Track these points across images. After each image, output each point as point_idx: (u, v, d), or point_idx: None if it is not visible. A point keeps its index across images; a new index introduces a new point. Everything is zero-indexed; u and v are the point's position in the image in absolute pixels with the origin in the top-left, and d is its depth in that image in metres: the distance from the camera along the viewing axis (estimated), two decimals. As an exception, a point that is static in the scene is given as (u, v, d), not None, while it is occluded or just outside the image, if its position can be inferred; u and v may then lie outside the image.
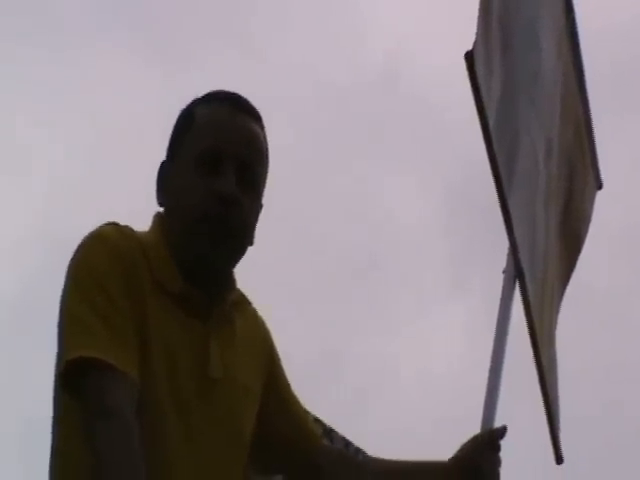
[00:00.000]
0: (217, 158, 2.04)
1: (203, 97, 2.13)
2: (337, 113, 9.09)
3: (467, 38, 2.36)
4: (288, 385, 2.27)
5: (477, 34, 2.40)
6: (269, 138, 2.12)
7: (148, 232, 2.10)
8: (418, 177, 9.39)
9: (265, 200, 2.12)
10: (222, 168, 2.03)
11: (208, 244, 2.03)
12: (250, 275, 2.11)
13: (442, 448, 2.38)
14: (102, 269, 1.98)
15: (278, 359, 2.24)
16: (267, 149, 2.12)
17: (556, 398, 3.07)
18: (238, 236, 2.06)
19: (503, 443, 2.34)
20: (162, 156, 2.16)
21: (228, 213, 2.03)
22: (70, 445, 1.99)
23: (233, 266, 2.10)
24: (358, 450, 5.15)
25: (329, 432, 5.01)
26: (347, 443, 5.14)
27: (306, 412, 2.34)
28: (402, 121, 8.74)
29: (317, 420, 5.05)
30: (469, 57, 2.33)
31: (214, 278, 2.07)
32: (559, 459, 3.04)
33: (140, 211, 2.21)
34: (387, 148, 9.16)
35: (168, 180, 2.09)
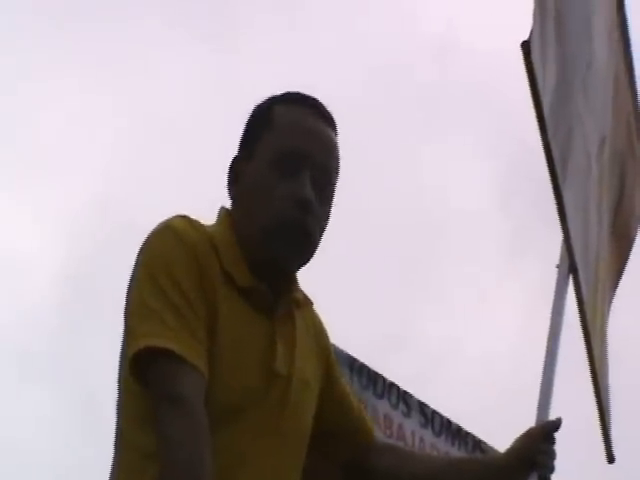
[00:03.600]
0: (297, 162, 2.00)
1: (281, 96, 2.09)
2: (388, 93, 8.93)
3: (520, 21, 2.26)
4: (344, 383, 2.25)
5: (533, 24, 2.33)
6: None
7: (215, 226, 2.06)
8: (475, 157, 9.22)
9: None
10: (301, 173, 1.99)
11: (283, 248, 1.99)
12: (320, 265, 2.01)
13: (500, 427, 2.26)
14: (174, 260, 1.94)
15: (334, 359, 2.22)
16: (340, 158, 2.08)
17: (607, 395, 3.00)
18: (311, 242, 2.02)
19: (557, 436, 2.26)
20: (218, 141, 2.07)
21: (305, 219, 1.99)
22: (135, 430, 1.95)
23: (300, 269, 2.06)
24: (435, 412, 5.05)
25: (404, 395, 4.93)
26: (423, 405, 5.04)
27: (361, 408, 2.28)
28: (459, 102, 8.57)
29: (393, 384, 4.98)
30: (526, 47, 2.27)
31: (282, 278, 2.04)
32: (611, 458, 2.99)
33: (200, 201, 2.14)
34: (443, 128, 9.01)
35: (244, 176, 2.05)
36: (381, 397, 4.77)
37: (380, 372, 4.77)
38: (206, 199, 2.07)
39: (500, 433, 2.33)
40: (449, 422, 5.07)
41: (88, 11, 8.87)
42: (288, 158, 2.00)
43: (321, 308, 2.18)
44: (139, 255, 1.98)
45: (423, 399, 5.01)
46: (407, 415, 4.90)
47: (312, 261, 2.09)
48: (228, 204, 2.10)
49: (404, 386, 4.91)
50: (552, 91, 2.48)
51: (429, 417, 5.01)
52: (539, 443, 2.22)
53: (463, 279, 8.81)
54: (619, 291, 3.33)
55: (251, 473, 1.96)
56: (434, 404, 5.08)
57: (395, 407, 4.84)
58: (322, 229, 2.06)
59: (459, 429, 5.08)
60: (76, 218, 8.56)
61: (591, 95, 2.84)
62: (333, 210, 2.07)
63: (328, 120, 2.06)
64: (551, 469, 2.23)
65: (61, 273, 8.40)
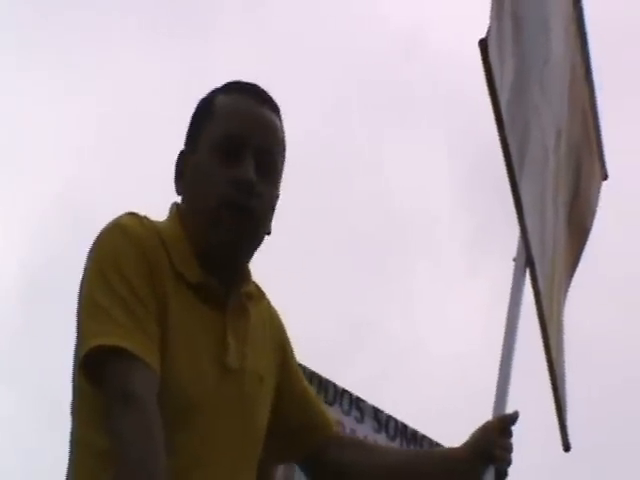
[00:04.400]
0: (237, 147, 1.99)
1: (222, 87, 2.08)
2: (355, 92, 9.00)
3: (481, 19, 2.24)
4: (301, 376, 2.24)
5: (491, 22, 2.33)
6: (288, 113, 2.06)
7: (166, 222, 2.06)
8: (439, 156, 9.35)
9: (289, 179, 2.06)
10: (242, 156, 1.98)
11: (228, 231, 1.97)
12: (285, 259, 1.99)
13: (458, 421, 2.26)
14: (124, 257, 1.93)
15: (291, 351, 2.21)
16: (285, 140, 2.07)
17: (564, 385, 3.01)
18: (256, 224, 2.00)
19: (514, 429, 2.28)
20: (178, 138, 2.06)
21: (247, 201, 1.97)
22: (89, 431, 1.94)
23: (251, 255, 2.05)
24: (389, 417, 5.07)
25: (356, 401, 4.93)
26: (377, 411, 5.05)
27: (319, 401, 2.28)
28: (424, 101, 8.67)
29: (345, 391, 4.99)
30: (483, 44, 2.27)
31: (232, 267, 2.02)
32: (566, 446, 3.00)
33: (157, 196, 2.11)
34: (410, 128, 9.12)
35: (187, 169, 2.03)
36: (332, 404, 4.79)
37: (331, 379, 4.80)
38: (173, 198, 2.05)
39: (461, 434, 2.35)
40: (404, 426, 5.11)
41: (58, 12, 8.85)
42: (228, 144, 1.98)
43: (279, 306, 2.16)
44: (90, 253, 1.96)
45: (384, 399, 5.07)
46: (360, 421, 4.94)
47: (270, 259, 2.06)
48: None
49: (364, 387, 4.97)
50: (510, 87, 2.48)
51: (383, 422, 5.04)
52: (496, 437, 2.23)
53: (427, 277, 8.93)
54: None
55: (207, 474, 1.94)
56: (395, 404, 5.14)
57: (347, 413, 4.87)
58: (270, 211, 2.04)
59: (414, 433, 5.13)
60: (39, 219, 8.65)
61: (548, 90, 2.84)
62: (296, 206, 2.05)
63: (269, 103, 2.05)
64: (508, 462, 2.24)
65: (23, 273, 8.43)
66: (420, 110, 8.90)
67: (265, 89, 2.09)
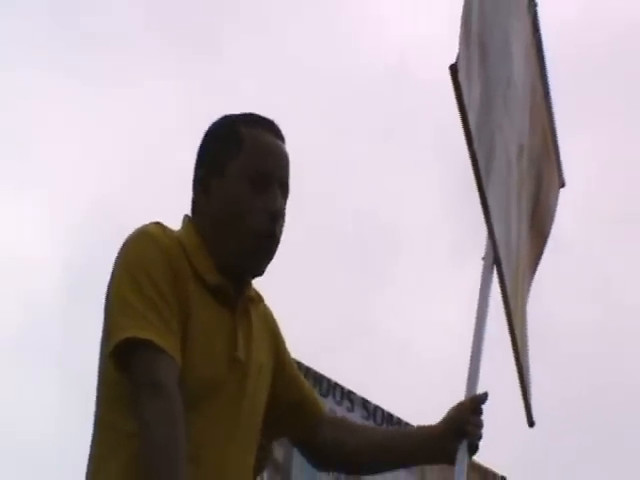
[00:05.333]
0: (266, 179, 2.13)
1: (244, 118, 2.21)
2: (352, 106, 9.23)
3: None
4: (294, 366, 2.34)
5: (460, 48, 2.42)
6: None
7: (182, 232, 2.15)
8: (426, 169, 9.55)
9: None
10: (270, 188, 2.13)
11: (256, 256, 2.13)
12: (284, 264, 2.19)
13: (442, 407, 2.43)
14: (151, 262, 2.03)
15: (284, 344, 2.30)
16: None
17: (528, 369, 3.10)
18: (276, 248, 2.16)
19: (485, 407, 2.37)
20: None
21: (276, 229, 2.13)
22: (113, 414, 2.03)
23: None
24: (376, 407, 5.23)
25: (347, 393, 5.08)
26: (365, 401, 5.20)
27: (309, 386, 2.39)
28: (411, 121, 8.90)
29: (337, 384, 5.15)
30: (453, 69, 2.36)
31: (246, 280, 2.15)
32: (531, 422, 3.08)
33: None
34: (398, 144, 9.36)
35: (217, 190, 2.15)
36: (326, 396, 4.96)
37: (324, 374, 4.97)
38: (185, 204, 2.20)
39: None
40: (390, 415, 5.26)
41: (81, 30, 9.06)
42: (259, 176, 2.13)
43: (281, 308, 2.31)
44: (118, 257, 2.07)
45: (375, 389, 5.23)
46: (350, 410, 5.08)
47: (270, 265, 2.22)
48: (188, 211, 2.20)
49: (352, 383, 5.11)
50: (477, 106, 2.56)
51: (371, 411, 5.20)
52: (468, 415, 2.33)
53: (415, 279, 9.13)
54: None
55: (217, 451, 2.05)
56: (384, 394, 5.32)
57: (339, 404, 5.03)
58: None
59: (399, 420, 5.28)
60: (77, 222, 8.83)
61: (511, 109, 2.91)
62: (296, 213, 2.24)
63: (283, 138, 2.20)
64: (479, 437, 2.34)
65: (64, 273, 8.64)
66: (408, 129, 9.17)
67: (278, 124, 2.22)
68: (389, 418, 5.24)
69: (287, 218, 2.20)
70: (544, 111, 3.37)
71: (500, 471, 5.51)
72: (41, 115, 9.43)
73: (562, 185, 3.63)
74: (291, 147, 2.20)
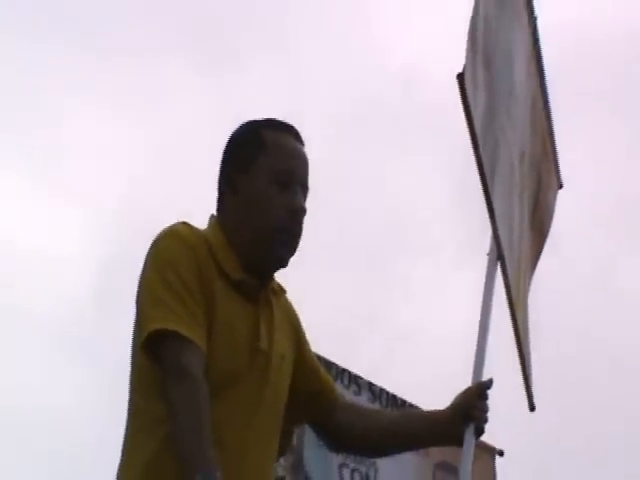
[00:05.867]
0: (289, 179, 2.22)
1: (264, 122, 2.29)
2: (363, 115, 9.47)
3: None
4: (313, 356, 2.41)
5: (466, 58, 2.50)
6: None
7: (209, 230, 2.22)
8: (436, 170, 9.79)
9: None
10: (293, 187, 2.22)
11: (283, 249, 2.21)
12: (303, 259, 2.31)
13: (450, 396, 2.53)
14: (179, 259, 2.11)
15: (304, 335, 2.37)
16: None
17: (529, 358, 3.14)
18: (298, 243, 2.24)
19: (490, 393, 2.44)
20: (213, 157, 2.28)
21: (299, 225, 2.21)
22: (145, 400, 2.12)
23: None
24: (382, 389, 5.37)
25: (355, 378, 5.21)
26: (371, 385, 5.34)
27: (326, 374, 2.46)
28: (420, 124, 9.13)
29: (345, 370, 5.29)
30: (460, 78, 2.44)
31: (269, 273, 2.23)
32: (532, 407, 3.12)
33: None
34: (407, 146, 9.60)
35: (243, 189, 2.22)
36: (335, 380, 5.08)
37: (335, 361, 5.11)
38: (210, 207, 2.30)
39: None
40: (394, 396, 5.38)
41: (113, 49, 9.29)
42: (282, 176, 2.21)
43: (299, 298, 2.39)
44: (149, 255, 2.15)
45: (389, 374, 5.37)
46: (358, 394, 5.20)
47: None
48: (214, 211, 2.27)
49: (372, 364, 5.25)
50: (482, 113, 2.62)
51: (377, 394, 5.33)
52: (475, 400, 2.40)
53: (426, 271, 9.33)
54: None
55: (240, 440, 2.12)
56: (397, 379, 5.46)
57: (347, 387, 5.15)
58: None
59: (403, 402, 5.40)
60: (108, 221, 9.07)
61: (513, 116, 2.96)
62: (320, 210, 2.34)
63: (302, 142, 2.30)
64: (485, 420, 2.42)
65: (96, 269, 8.86)
66: (417, 131, 9.42)
67: (298, 128, 2.31)
68: (393, 400, 5.36)
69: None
70: (543, 118, 3.42)
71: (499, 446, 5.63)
72: (73, 118, 9.71)
73: (560, 186, 3.68)
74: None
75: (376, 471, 5.00)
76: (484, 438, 2.65)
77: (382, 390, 5.39)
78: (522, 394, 3.05)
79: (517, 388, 3.03)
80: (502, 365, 2.87)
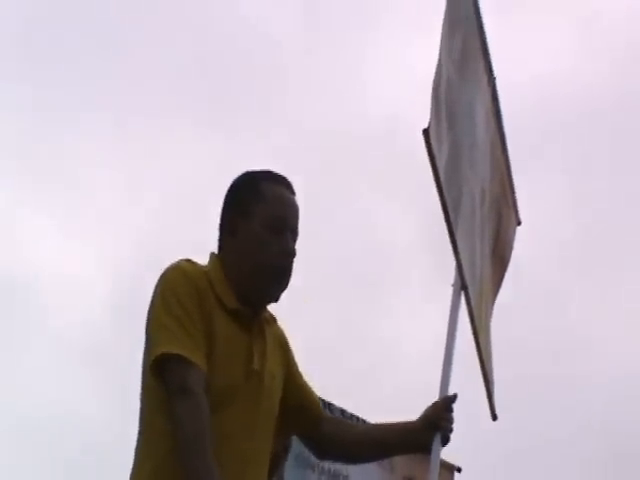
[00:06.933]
0: (282, 225, 2.37)
1: (261, 174, 2.44)
2: (347, 161, 9.87)
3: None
4: (301, 375, 2.54)
5: (430, 116, 2.64)
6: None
7: (208, 266, 2.37)
8: (409, 208, 10.22)
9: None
10: (284, 233, 2.36)
11: (274, 286, 2.36)
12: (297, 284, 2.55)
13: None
14: (181, 291, 2.26)
15: (293, 357, 2.51)
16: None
17: (492, 376, 3.30)
18: (289, 280, 2.38)
19: (455, 406, 2.59)
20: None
21: (290, 265, 2.36)
22: (153, 415, 2.25)
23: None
24: (352, 415, 5.52)
25: (328, 405, 5.32)
26: (343, 412, 5.50)
27: (314, 393, 2.59)
28: (398, 168, 9.53)
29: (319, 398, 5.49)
30: (426, 133, 2.59)
31: (262, 305, 2.37)
32: (494, 417, 3.25)
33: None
34: (386, 190, 10.01)
35: (242, 232, 2.36)
36: None
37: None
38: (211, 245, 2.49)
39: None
40: (364, 421, 5.57)
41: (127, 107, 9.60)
42: (275, 222, 2.36)
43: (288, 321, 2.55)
44: (156, 287, 2.30)
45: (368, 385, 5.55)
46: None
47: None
48: (214, 249, 2.41)
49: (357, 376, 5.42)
50: (446, 162, 2.78)
51: (348, 418, 5.45)
52: (442, 412, 2.55)
53: (401, 297, 9.68)
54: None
55: (238, 445, 2.22)
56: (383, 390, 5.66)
57: None
58: None
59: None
60: (122, 255, 9.71)
61: (474, 163, 3.14)
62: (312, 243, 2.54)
63: (294, 192, 2.45)
64: (450, 430, 2.57)
65: (115, 290, 9.47)
66: (393, 175, 9.84)
67: (289, 180, 2.44)
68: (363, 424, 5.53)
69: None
70: (502, 163, 3.57)
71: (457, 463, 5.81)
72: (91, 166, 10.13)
73: (519, 223, 3.81)
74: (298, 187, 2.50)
75: None
76: (444, 456, 2.77)
77: (352, 415, 5.47)
78: (480, 413, 3.18)
79: (476, 406, 3.19)
80: (465, 382, 3.05)
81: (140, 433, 2.27)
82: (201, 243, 2.58)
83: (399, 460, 5.29)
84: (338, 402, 5.43)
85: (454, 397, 2.59)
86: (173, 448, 2.14)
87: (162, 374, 2.19)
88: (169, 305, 2.22)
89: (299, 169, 2.44)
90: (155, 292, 2.29)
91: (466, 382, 3.07)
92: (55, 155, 10.40)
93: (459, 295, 2.92)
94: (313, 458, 4.40)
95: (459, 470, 5.82)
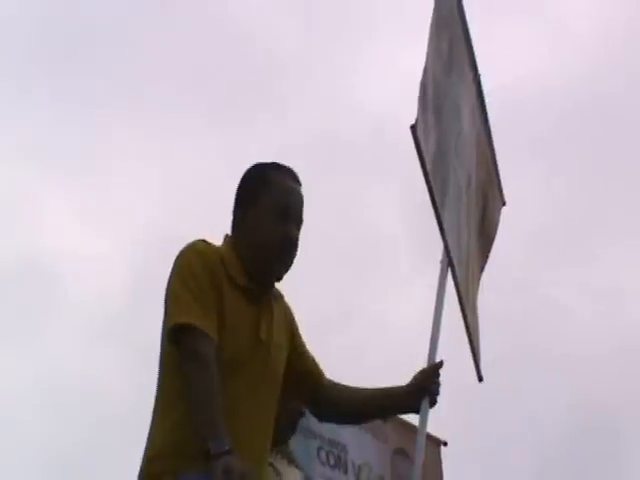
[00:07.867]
0: (287, 212, 2.47)
1: (269, 165, 2.55)
2: (337, 156, 10.28)
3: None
4: (304, 344, 2.64)
5: (418, 111, 2.74)
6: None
7: (222, 246, 2.49)
8: (394, 198, 10.49)
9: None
10: (290, 220, 2.47)
11: (280, 265, 2.46)
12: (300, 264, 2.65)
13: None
14: (196, 268, 2.37)
15: (297, 328, 2.62)
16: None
17: (478, 345, 3.42)
18: (293, 262, 2.50)
19: (442, 372, 2.68)
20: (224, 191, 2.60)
21: (293, 249, 2.48)
22: (170, 377, 2.34)
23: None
24: None
25: None
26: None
27: (316, 361, 2.67)
28: (386, 164, 9.78)
29: None
30: (413, 128, 2.70)
31: (269, 282, 2.49)
32: (480, 378, 3.36)
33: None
34: (371, 180, 10.28)
35: (251, 216, 2.47)
36: None
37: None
38: (223, 229, 2.59)
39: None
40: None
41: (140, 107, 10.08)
42: (282, 210, 2.46)
43: (292, 294, 2.62)
44: (174, 264, 2.40)
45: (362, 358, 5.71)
46: None
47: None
48: (229, 231, 2.51)
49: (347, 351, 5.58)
50: (432, 155, 2.87)
51: None
52: (430, 376, 2.64)
53: (392, 276, 9.95)
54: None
55: (246, 411, 2.30)
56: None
57: None
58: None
59: None
60: (140, 236, 10.08)
61: (460, 154, 3.23)
62: (310, 231, 2.60)
63: (299, 182, 2.55)
64: (437, 393, 2.65)
65: (131, 270, 9.87)
66: (380, 167, 10.07)
67: (295, 171, 2.53)
68: None
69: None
70: (488, 153, 3.67)
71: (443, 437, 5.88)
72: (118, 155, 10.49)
73: (503, 204, 3.94)
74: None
75: (346, 453, 5.21)
76: (430, 430, 2.86)
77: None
78: (464, 394, 3.39)
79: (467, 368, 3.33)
80: (453, 348, 3.21)
81: (157, 394, 2.37)
82: (214, 227, 2.71)
83: (391, 432, 5.43)
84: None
85: (441, 363, 2.69)
86: (186, 409, 2.23)
87: (177, 341, 2.28)
88: (184, 280, 2.32)
89: (300, 170, 2.61)
90: (173, 268, 2.40)
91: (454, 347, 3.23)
92: (76, 147, 10.70)
93: (446, 271, 3.01)
94: (315, 428, 4.60)
95: (445, 444, 5.91)
